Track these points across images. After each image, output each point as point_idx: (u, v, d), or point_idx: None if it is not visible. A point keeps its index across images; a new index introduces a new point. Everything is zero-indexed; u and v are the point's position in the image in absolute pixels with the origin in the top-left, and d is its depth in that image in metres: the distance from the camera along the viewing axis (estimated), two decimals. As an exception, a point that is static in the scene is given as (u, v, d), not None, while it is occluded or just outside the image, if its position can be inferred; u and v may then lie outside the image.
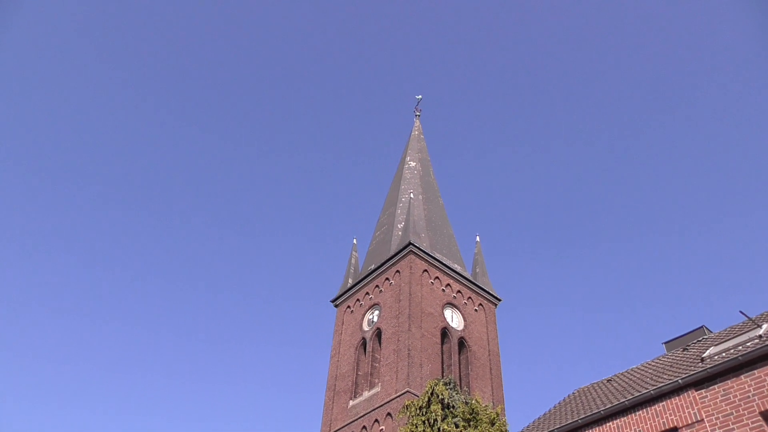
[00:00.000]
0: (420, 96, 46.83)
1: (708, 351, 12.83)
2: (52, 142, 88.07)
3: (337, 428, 27.77)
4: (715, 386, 10.63)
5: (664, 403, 11.20)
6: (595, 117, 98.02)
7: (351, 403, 28.26)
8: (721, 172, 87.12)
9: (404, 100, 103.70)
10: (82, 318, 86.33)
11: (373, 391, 27.55)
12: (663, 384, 11.38)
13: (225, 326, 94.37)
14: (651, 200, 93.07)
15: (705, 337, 15.58)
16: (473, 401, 18.75)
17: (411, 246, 30.90)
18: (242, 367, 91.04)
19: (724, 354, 11.57)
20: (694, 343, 15.10)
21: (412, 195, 35.30)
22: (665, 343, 17.21)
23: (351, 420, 27.28)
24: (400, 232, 33.28)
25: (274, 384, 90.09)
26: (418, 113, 45.47)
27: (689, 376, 10.99)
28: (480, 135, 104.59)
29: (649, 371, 14.00)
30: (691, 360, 12.80)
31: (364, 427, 26.28)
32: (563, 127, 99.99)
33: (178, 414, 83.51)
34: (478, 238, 36.70)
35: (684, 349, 14.96)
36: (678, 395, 11.04)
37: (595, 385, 16.00)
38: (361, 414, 26.91)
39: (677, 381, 11.07)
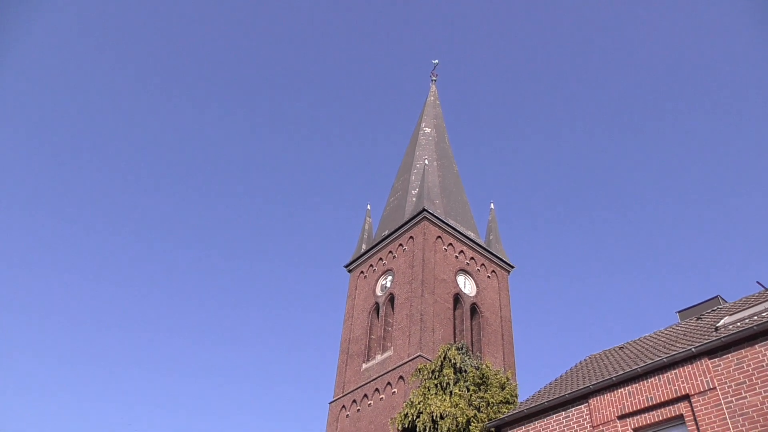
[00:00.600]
0: (436, 61, 46.06)
1: (723, 320, 12.81)
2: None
3: (350, 390, 28.25)
4: (729, 355, 10.65)
5: (676, 370, 11.23)
6: (609, 84, 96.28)
7: (364, 366, 28.66)
8: (739, 140, 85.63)
9: (420, 65, 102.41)
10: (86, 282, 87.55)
11: (385, 355, 27.89)
12: (676, 352, 11.40)
13: (240, 290, 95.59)
14: (667, 167, 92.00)
15: (720, 306, 15.55)
16: (484, 366, 19.06)
17: (425, 212, 30.90)
18: (256, 331, 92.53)
19: (738, 324, 11.55)
20: (709, 313, 15.07)
21: (426, 161, 35.15)
22: (679, 312, 17.20)
23: (364, 382, 27.72)
24: (414, 199, 33.23)
25: (289, 347, 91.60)
26: (434, 78, 44.81)
27: (703, 344, 11.00)
28: (496, 101, 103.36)
29: (662, 339, 14.02)
30: (705, 329, 12.79)
31: (377, 389, 26.71)
32: (578, 94, 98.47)
33: (191, 376, 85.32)
34: (492, 205, 36.58)
35: (698, 319, 14.95)
36: (691, 363, 11.06)
37: (607, 352, 16.08)
38: (374, 377, 27.31)
39: (690, 349, 11.09)
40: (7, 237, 78.23)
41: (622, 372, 12.17)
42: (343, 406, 28.11)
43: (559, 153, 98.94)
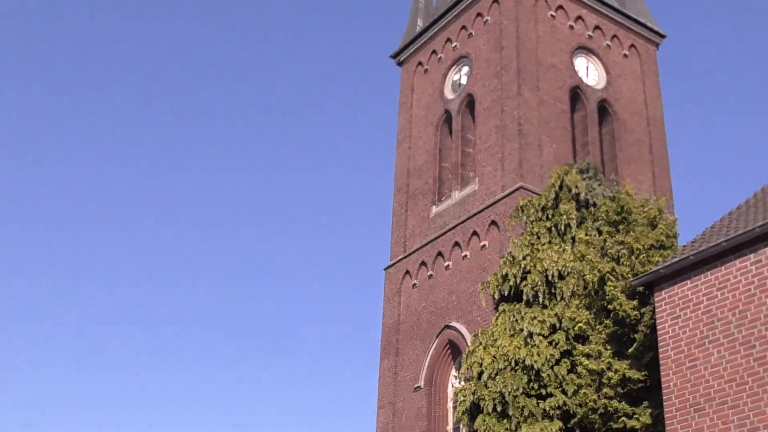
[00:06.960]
0: None
1: None
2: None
3: (415, 248, 25.51)
4: None
5: None
6: None
7: (434, 209, 26.26)
8: None
9: None
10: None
11: (466, 191, 25.39)
12: None
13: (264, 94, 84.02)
14: None
15: None
16: (623, 195, 17.16)
17: (516, -44, 31.00)
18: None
19: None
20: None
21: None
22: None
23: (436, 235, 25.20)
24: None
25: (323, 188, 76.63)
26: None
27: None
28: None
29: None
30: None
31: (457, 243, 23.83)
32: None
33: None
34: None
35: None
36: None
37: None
38: (451, 225, 24.82)
39: None
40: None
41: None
42: (407, 272, 25.52)
43: None
